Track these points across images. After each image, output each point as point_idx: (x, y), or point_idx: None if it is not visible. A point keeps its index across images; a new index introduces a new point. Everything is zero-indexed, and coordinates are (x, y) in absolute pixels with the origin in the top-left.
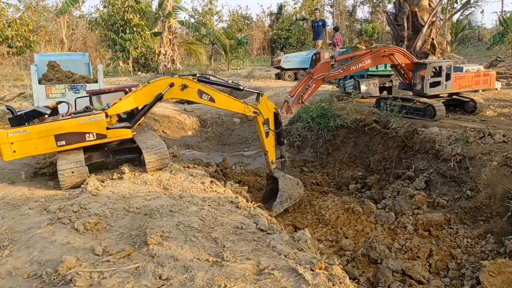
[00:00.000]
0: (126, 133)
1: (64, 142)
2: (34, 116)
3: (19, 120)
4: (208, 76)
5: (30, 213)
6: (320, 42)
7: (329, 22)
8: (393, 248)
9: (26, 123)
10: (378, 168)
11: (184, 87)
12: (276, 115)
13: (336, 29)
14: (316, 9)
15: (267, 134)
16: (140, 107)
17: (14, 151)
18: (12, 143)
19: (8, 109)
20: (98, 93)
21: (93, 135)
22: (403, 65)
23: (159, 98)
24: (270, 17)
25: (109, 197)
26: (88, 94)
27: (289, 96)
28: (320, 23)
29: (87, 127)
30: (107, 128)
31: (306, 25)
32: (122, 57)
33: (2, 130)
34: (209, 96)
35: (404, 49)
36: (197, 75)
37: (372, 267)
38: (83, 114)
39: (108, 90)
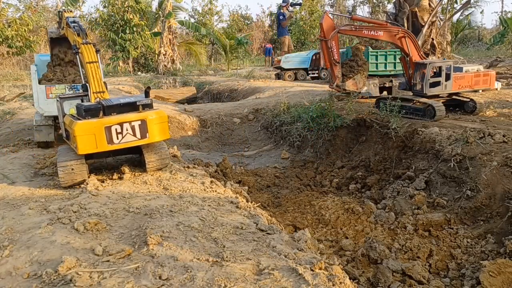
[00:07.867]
0: None
1: None
2: None
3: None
4: None
5: (30, 213)
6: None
7: None
8: (393, 248)
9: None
10: (378, 168)
11: None
12: None
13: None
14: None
15: None
16: None
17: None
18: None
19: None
20: None
21: None
22: (411, 56)
23: None
24: (270, 17)
25: (109, 197)
26: None
27: (328, 74)
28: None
29: None
30: None
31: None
32: (122, 57)
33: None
34: None
35: (416, 39)
36: None
37: (372, 267)
38: None
39: None
